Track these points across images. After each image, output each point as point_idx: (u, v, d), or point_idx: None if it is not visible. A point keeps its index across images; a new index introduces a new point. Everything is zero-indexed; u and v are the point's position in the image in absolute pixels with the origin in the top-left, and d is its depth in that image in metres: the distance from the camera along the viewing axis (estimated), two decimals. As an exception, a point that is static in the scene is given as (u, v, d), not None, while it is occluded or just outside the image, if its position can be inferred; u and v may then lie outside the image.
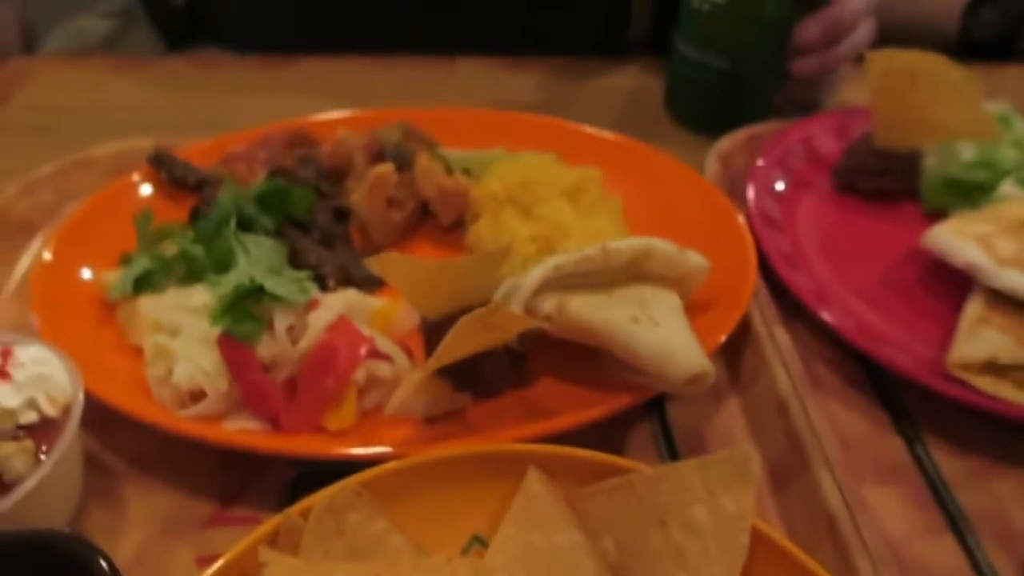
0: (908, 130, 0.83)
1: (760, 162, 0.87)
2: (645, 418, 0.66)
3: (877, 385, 0.69)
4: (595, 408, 0.60)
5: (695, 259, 0.67)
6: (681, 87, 1.01)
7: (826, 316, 0.70)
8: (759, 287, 0.73)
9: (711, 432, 0.65)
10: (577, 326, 0.62)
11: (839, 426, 0.66)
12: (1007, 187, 0.83)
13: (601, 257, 0.65)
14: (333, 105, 0.92)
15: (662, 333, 0.58)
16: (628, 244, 0.65)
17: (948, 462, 0.64)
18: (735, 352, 0.70)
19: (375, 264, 0.60)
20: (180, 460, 0.59)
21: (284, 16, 1.27)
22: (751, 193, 0.82)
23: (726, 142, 0.91)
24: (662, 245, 0.66)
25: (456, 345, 0.57)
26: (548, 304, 0.63)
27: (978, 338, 0.68)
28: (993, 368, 0.66)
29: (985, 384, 0.65)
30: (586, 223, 0.74)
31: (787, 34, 0.92)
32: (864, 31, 0.97)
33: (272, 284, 0.60)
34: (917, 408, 0.68)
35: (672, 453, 0.64)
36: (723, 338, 0.65)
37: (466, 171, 0.81)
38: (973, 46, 1.27)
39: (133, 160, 0.84)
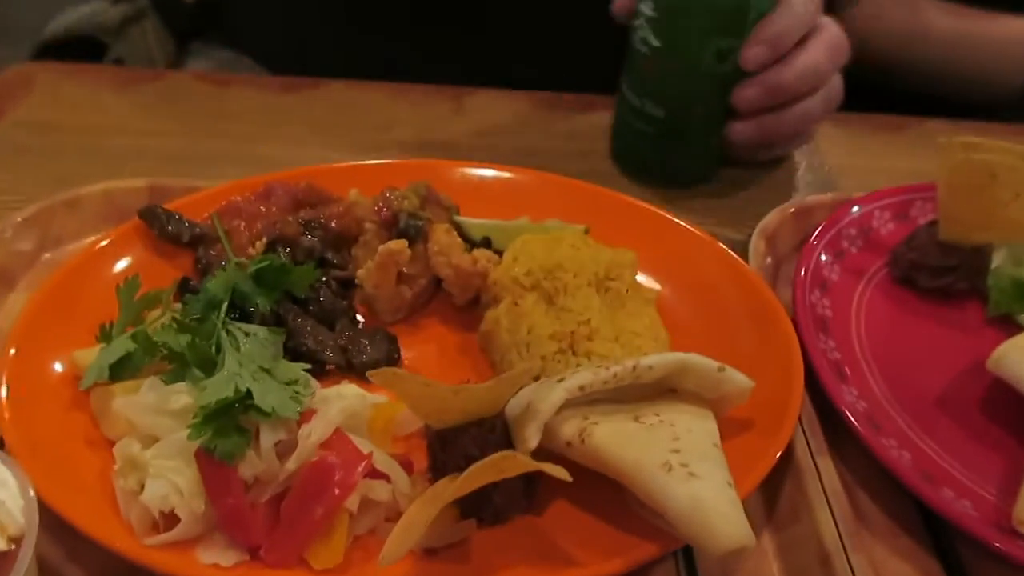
0: (980, 227, 0.75)
1: (812, 244, 0.79)
2: (668, 556, 0.59)
3: (932, 530, 0.62)
4: (614, 559, 0.53)
5: (737, 379, 0.60)
6: (623, 133, 0.94)
7: (880, 449, 0.62)
8: (805, 407, 0.65)
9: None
10: (601, 459, 0.55)
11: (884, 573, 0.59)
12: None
13: (631, 375, 0.58)
14: (353, 138, 0.84)
15: (698, 488, 0.50)
16: (662, 361, 0.58)
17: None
18: (774, 484, 0.62)
19: (377, 378, 0.53)
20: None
21: (300, 26, 1.21)
22: (798, 287, 0.74)
23: (773, 217, 0.83)
24: (699, 363, 0.59)
25: (465, 486, 0.51)
26: (569, 428, 0.56)
27: (1044, 489, 0.60)
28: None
29: (1055, 546, 0.58)
30: (615, 318, 0.67)
31: (727, 86, 0.84)
32: (824, 96, 0.87)
33: (261, 393, 0.54)
34: (976, 562, 0.60)
35: (696, 601, 0.57)
36: (762, 476, 0.58)
37: (486, 240, 0.74)
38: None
39: (125, 200, 0.77)
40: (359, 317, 0.71)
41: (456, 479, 0.50)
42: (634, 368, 0.58)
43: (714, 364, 0.59)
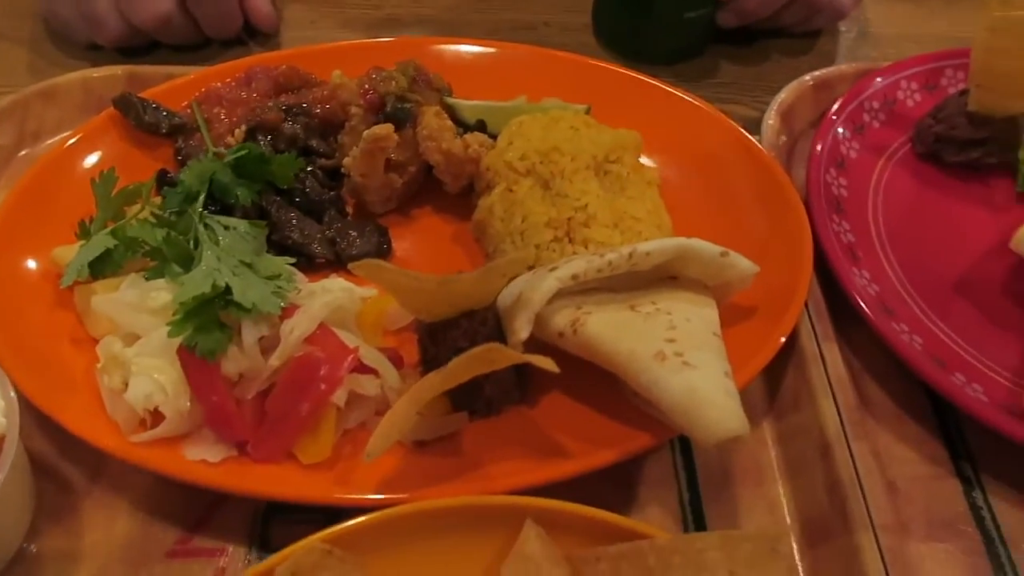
0: (1018, 93, 0.69)
1: (831, 119, 0.73)
2: (664, 446, 0.58)
3: (939, 415, 0.60)
4: (607, 450, 0.52)
5: (741, 265, 0.57)
6: (600, 8, 0.88)
7: (890, 334, 0.59)
8: (812, 291, 0.62)
9: (739, 465, 0.57)
10: (594, 349, 0.53)
11: (890, 464, 0.58)
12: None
13: (627, 263, 0.55)
14: (341, 16, 0.77)
15: (692, 378, 0.48)
16: (660, 247, 0.55)
17: (1010, 514, 0.56)
18: (777, 371, 0.60)
19: (360, 270, 0.51)
20: (141, 480, 0.53)
21: None
22: (813, 165, 0.70)
23: (789, 93, 0.77)
24: (701, 248, 0.56)
25: (450, 380, 0.49)
26: (562, 319, 0.54)
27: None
28: (1080, 411, 0.57)
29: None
30: (615, 203, 0.63)
31: None
32: None
33: (241, 289, 0.52)
34: (982, 448, 0.59)
35: (692, 489, 0.56)
36: (763, 364, 0.56)
37: (481, 123, 0.70)
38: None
39: (104, 89, 0.73)
40: (348, 208, 0.68)
41: (443, 372, 0.49)
42: (630, 255, 0.55)
43: (716, 249, 0.56)
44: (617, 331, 0.52)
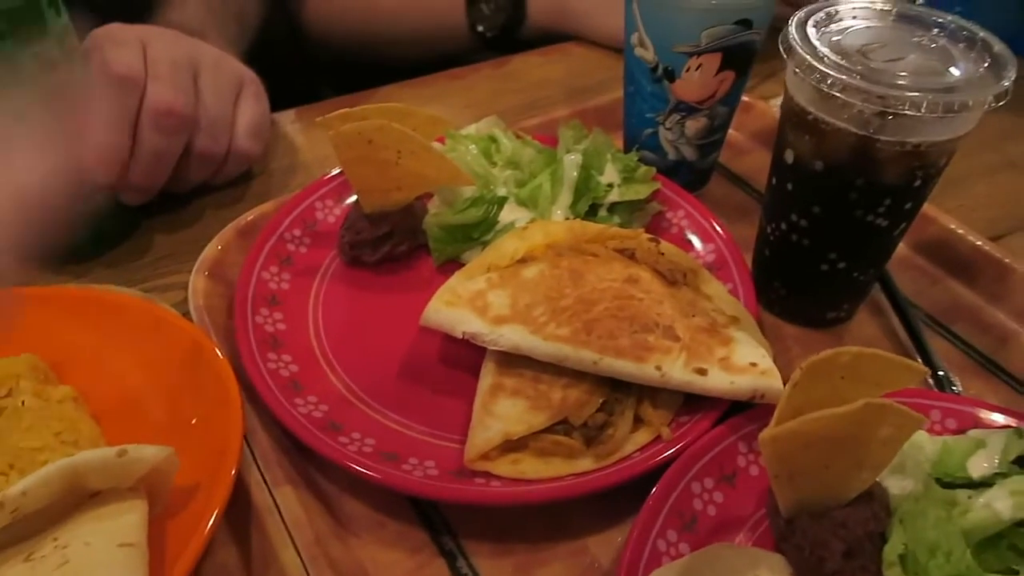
0: (390, 188, 0.76)
1: (250, 262, 0.75)
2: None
3: (416, 505, 0.62)
4: None
5: (145, 454, 0.54)
6: None
7: (331, 453, 0.60)
8: (259, 439, 0.62)
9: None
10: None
11: (376, 572, 0.58)
12: (509, 213, 0.80)
13: (7, 513, 0.49)
14: None
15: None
16: (36, 481, 0.50)
17: (490, 567, 0.59)
18: (243, 531, 0.58)
19: None
20: None
21: None
22: (238, 313, 0.70)
23: (215, 245, 0.78)
24: (89, 459, 0.52)
25: None
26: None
27: (493, 415, 0.63)
28: (512, 446, 0.62)
29: (505, 469, 0.61)
30: (8, 441, 0.57)
31: None
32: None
33: None
34: (457, 517, 0.61)
35: None
36: (203, 541, 0.53)
37: None
38: (485, 40, 1.27)
39: None
40: None
41: None
42: (2, 504, 0.49)
43: (110, 452, 0.53)
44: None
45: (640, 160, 0.85)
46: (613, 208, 0.82)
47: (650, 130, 0.87)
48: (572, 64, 1.18)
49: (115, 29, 0.79)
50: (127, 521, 0.52)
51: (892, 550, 0.53)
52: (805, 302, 0.76)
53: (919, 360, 0.73)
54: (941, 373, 0.71)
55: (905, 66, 0.63)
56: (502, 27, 1.24)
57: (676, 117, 0.85)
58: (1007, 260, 0.80)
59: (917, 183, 0.66)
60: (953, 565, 0.51)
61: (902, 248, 0.86)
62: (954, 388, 0.70)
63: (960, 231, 0.83)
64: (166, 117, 0.75)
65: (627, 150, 0.89)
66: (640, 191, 0.82)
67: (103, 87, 0.74)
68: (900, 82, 0.60)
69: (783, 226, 0.73)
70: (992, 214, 0.92)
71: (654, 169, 0.85)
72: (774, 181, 0.73)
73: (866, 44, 0.65)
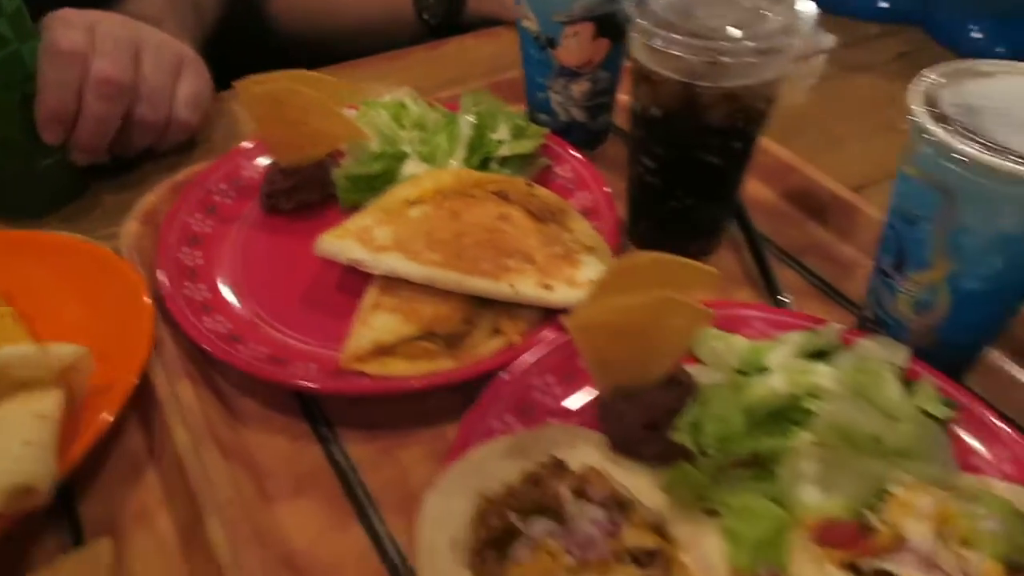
0: (301, 146, 0.87)
1: (175, 209, 0.87)
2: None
3: (304, 400, 0.73)
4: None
5: (64, 350, 0.65)
6: None
7: (225, 355, 0.71)
8: (165, 346, 0.73)
9: (127, 512, 0.64)
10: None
11: (259, 455, 0.68)
12: (410, 166, 0.91)
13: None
14: None
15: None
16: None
17: (359, 450, 0.69)
18: (151, 425, 0.69)
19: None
20: None
21: None
22: (162, 249, 0.82)
23: (150, 197, 0.89)
24: (13, 351, 0.63)
25: None
26: None
27: (369, 326, 0.73)
28: (384, 350, 0.72)
29: (375, 368, 0.71)
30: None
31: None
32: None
33: None
34: (336, 411, 0.72)
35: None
36: (109, 419, 0.64)
37: None
38: (429, 28, 1.39)
39: None
40: None
41: None
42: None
43: (34, 347, 0.64)
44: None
45: (534, 121, 0.96)
46: (504, 162, 0.92)
47: (542, 94, 0.97)
48: (500, 45, 1.28)
49: (67, 12, 0.91)
50: (45, 401, 0.63)
51: (685, 420, 0.63)
52: (665, 237, 0.86)
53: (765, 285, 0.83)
54: (781, 298, 0.81)
55: (720, 21, 0.73)
56: (444, 14, 1.36)
57: (562, 81, 0.95)
58: (858, 204, 0.89)
59: (740, 123, 0.75)
60: (727, 427, 0.61)
61: (768, 194, 0.96)
62: (786, 302, 0.80)
63: (818, 179, 0.93)
64: (105, 85, 0.87)
65: (531, 115, 1.00)
66: (527, 146, 0.92)
67: (52, 60, 0.86)
68: (713, 36, 0.70)
69: (639, 169, 0.83)
70: (863, 168, 1.01)
71: (546, 129, 0.96)
72: (631, 129, 0.83)
73: (690, 5, 0.75)
